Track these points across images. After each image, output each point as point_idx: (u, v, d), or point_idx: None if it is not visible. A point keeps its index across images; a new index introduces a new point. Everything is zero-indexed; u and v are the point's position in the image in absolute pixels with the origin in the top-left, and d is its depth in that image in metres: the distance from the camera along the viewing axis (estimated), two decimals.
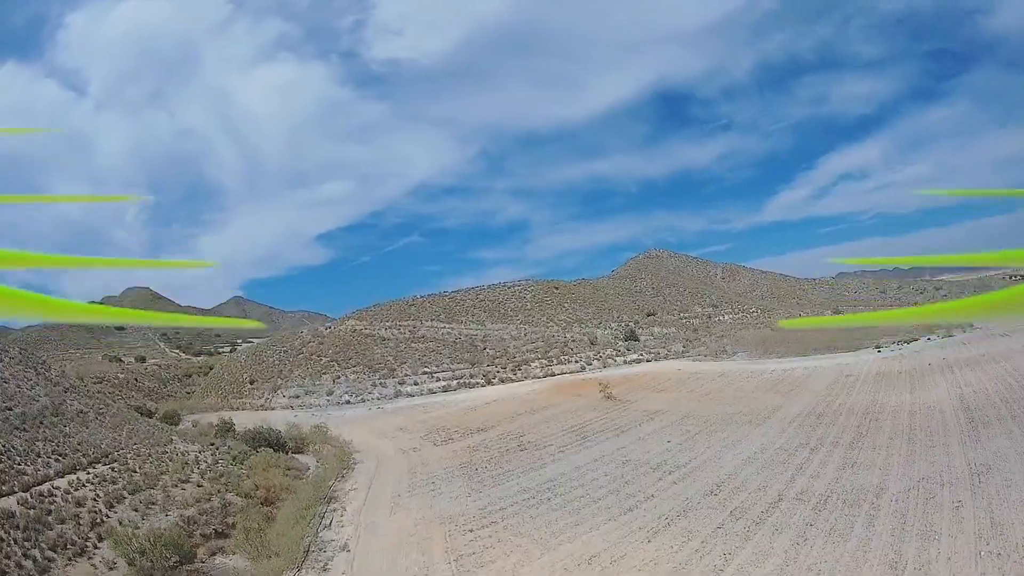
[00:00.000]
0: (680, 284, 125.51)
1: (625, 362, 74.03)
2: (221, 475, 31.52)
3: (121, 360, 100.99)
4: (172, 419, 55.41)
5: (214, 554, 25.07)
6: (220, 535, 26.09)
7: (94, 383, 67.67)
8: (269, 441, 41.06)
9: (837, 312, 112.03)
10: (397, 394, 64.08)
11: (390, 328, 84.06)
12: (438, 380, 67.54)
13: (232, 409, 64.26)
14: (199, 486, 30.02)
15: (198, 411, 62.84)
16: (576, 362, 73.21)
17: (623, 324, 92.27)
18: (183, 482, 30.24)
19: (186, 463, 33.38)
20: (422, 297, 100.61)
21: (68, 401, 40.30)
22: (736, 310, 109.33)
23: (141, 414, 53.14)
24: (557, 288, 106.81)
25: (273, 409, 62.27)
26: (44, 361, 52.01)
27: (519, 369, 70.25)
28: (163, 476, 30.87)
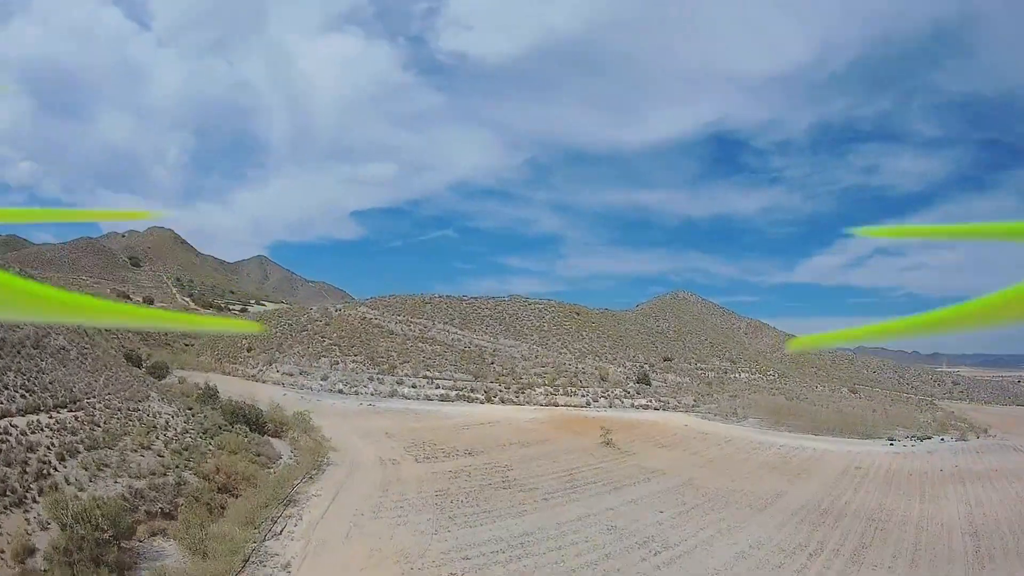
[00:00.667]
0: (702, 332, 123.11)
1: (633, 405, 71.62)
2: (186, 448, 30.30)
3: (129, 297, 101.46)
4: (159, 371, 54.75)
5: (155, 535, 23.74)
6: (166, 515, 24.78)
7: None
8: (248, 419, 39.90)
9: (853, 391, 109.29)
10: (393, 393, 62.69)
11: (401, 323, 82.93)
12: (437, 387, 66.00)
13: (224, 373, 63.58)
14: (159, 456, 28.82)
15: (189, 367, 62.25)
16: (582, 396, 71.04)
17: (638, 364, 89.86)
18: (144, 448, 29.08)
19: (154, 427, 32.28)
20: (440, 297, 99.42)
21: (52, 334, 39.61)
22: (754, 369, 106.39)
23: (129, 360, 52.56)
24: (579, 314, 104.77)
25: (264, 382, 61.38)
26: (44, 284, 51.65)
27: (523, 392, 68.40)
28: (125, 437, 29.76)
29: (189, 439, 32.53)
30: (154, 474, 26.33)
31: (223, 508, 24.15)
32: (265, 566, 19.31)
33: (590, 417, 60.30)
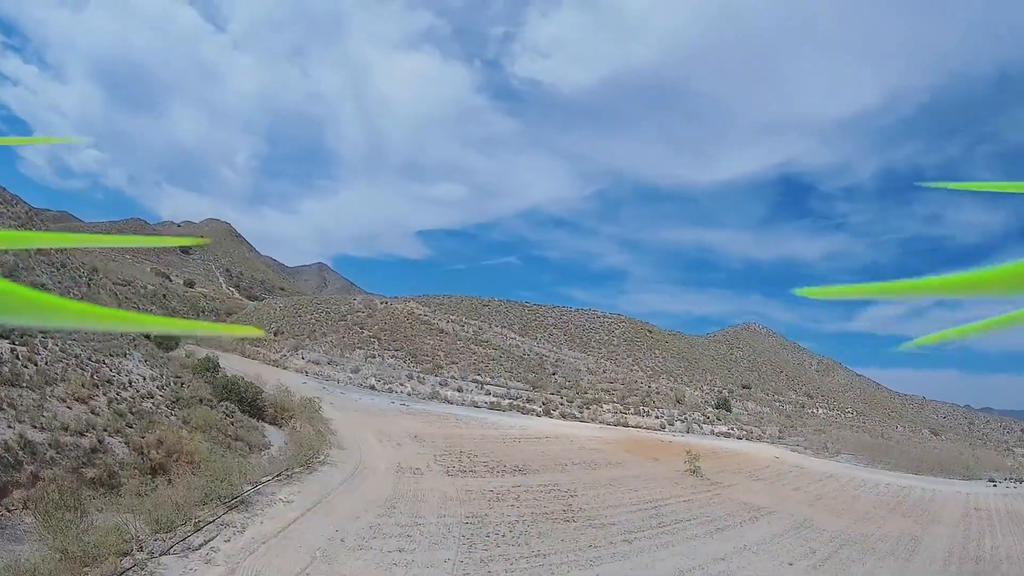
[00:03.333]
0: (776, 364, 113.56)
1: (713, 432, 61.88)
2: (133, 412, 22.81)
3: (169, 278, 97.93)
4: (168, 342, 48.51)
5: (27, 506, 16.09)
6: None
7: (116, 283, 62.61)
8: (242, 397, 32.39)
9: (935, 433, 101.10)
10: (433, 395, 54.59)
11: (453, 323, 75.17)
12: (488, 393, 57.57)
13: (244, 356, 57.21)
14: (93, 413, 21.35)
15: (207, 344, 56.05)
16: (656, 418, 61.26)
17: (715, 389, 79.24)
18: (77, 400, 21.71)
19: (106, 382, 25.00)
20: (499, 300, 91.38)
21: (36, 271, 33.44)
22: (831, 407, 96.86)
23: None
24: (651, 332, 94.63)
25: (286, 368, 54.47)
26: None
27: (587, 408, 59.06)
28: (60, 383, 22.58)
29: (149, 405, 25.10)
30: (67, 430, 18.80)
31: (140, 493, 16.20)
32: None
33: (668, 441, 50.58)
